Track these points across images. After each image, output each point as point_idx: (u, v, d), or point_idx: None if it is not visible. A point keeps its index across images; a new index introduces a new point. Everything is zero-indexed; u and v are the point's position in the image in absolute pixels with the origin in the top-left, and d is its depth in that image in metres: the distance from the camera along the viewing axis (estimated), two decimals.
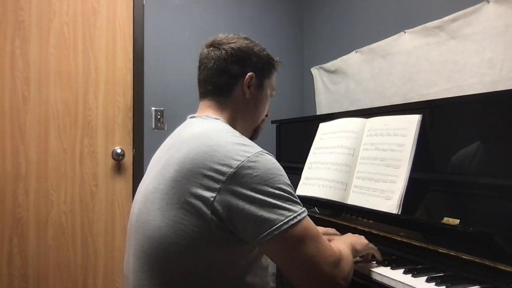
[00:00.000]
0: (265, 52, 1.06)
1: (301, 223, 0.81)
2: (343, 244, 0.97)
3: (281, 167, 0.86)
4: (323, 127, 1.70)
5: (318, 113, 2.54)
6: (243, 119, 1.04)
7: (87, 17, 2.16)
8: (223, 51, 1.00)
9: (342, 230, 1.31)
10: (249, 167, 0.81)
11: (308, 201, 1.59)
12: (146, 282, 0.88)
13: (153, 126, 2.30)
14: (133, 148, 2.25)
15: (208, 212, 0.80)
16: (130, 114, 2.26)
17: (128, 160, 2.24)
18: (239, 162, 0.81)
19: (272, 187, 0.81)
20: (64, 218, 2.11)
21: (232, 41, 1.02)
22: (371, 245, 1.11)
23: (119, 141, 2.23)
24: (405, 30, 1.87)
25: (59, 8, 2.10)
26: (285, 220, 0.79)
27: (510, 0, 1.44)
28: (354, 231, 1.30)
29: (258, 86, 1.04)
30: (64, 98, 2.11)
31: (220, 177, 0.81)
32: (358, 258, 1.11)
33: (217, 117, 0.99)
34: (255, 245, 0.83)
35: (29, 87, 2.05)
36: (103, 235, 2.19)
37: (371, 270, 1.06)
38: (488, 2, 1.51)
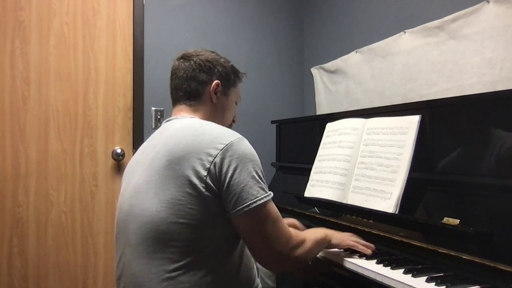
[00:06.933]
0: (230, 64, 1.19)
1: (268, 204, 0.95)
2: (311, 234, 1.09)
3: (256, 153, 1.00)
4: (329, 126, 1.69)
5: (318, 113, 2.54)
6: (213, 122, 1.11)
7: (87, 17, 2.16)
8: (192, 62, 1.14)
9: (342, 230, 1.31)
10: (233, 149, 0.94)
11: (308, 201, 1.59)
12: (145, 267, 0.93)
13: (153, 126, 2.30)
14: (133, 148, 2.25)
15: (203, 189, 0.91)
16: (130, 114, 2.26)
17: (128, 160, 2.22)
18: (224, 145, 0.94)
19: (251, 168, 0.94)
20: (64, 218, 2.11)
21: (200, 54, 1.15)
22: (351, 242, 1.19)
23: (119, 141, 2.23)
24: (405, 30, 1.87)
25: (59, 8, 2.10)
26: (256, 199, 0.92)
27: (510, 0, 1.44)
28: (354, 231, 1.31)
29: (224, 93, 1.17)
30: (64, 98, 2.11)
31: (209, 158, 0.93)
32: (341, 250, 1.21)
33: (192, 117, 1.11)
34: (229, 217, 0.94)
35: (29, 87, 2.05)
36: (103, 235, 2.19)
37: (371, 270, 1.06)
38: (488, 2, 1.51)
